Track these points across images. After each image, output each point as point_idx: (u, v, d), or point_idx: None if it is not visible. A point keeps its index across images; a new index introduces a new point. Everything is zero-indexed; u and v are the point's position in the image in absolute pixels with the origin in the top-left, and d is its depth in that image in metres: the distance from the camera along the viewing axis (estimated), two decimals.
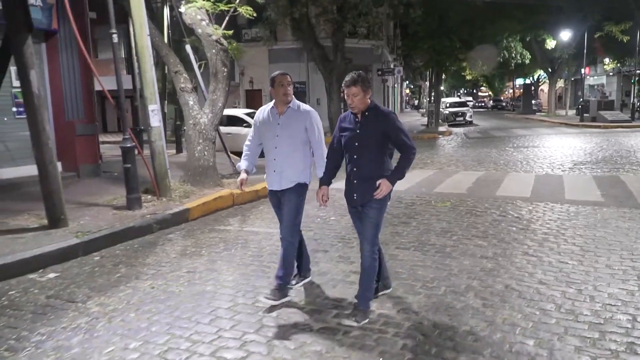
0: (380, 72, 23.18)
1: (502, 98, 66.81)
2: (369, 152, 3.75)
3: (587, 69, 33.14)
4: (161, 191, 7.73)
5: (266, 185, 4.41)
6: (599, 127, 24.32)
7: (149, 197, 7.85)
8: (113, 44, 6.84)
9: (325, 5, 19.78)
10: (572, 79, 46.37)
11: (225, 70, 8.75)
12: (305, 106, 4.21)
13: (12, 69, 9.16)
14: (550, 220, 6.74)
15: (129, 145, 7.10)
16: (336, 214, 7.24)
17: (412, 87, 73.02)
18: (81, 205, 7.54)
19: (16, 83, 9.23)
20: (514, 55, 29.06)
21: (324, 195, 3.99)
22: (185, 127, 8.85)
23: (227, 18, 8.71)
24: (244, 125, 14.56)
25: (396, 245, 5.76)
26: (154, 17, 14.32)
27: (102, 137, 16.97)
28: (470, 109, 33.19)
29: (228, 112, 14.63)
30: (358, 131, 3.77)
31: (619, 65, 37.07)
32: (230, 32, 8.61)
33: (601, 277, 4.58)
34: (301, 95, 24.06)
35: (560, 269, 4.83)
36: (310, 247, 5.21)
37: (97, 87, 10.27)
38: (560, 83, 45.97)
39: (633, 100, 28.06)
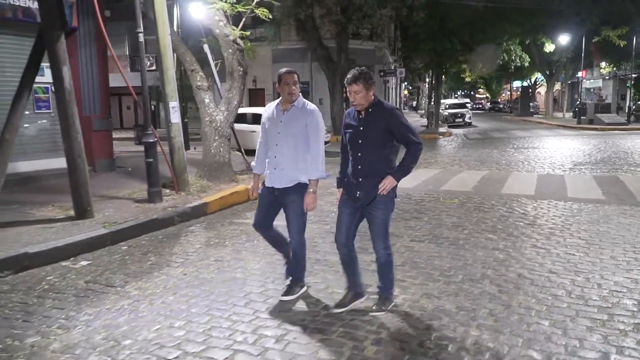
0: (382, 73, 23.50)
1: (499, 100, 67.30)
2: (373, 149, 3.70)
3: (584, 72, 33.54)
4: (180, 186, 8.00)
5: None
6: (596, 129, 24.70)
7: (167, 191, 8.12)
8: (140, 43, 7.11)
9: (330, 7, 20.10)
10: (569, 82, 46.90)
11: (241, 69, 9.02)
12: (310, 105, 4.14)
13: None
14: (555, 216, 7.05)
15: (151, 140, 7.36)
16: None
17: (410, 88, 73.40)
18: (103, 198, 7.79)
19: (38, 78, 9.45)
20: (513, 57, 29.44)
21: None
22: (201, 125, 9.10)
23: (243, 19, 8.98)
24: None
25: (411, 238, 6.05)
26: None
27: None
28: (470, 111, 33.58)
29: (253, 110, 14.89)
30: (361, 128, 3.73)
31: (615, 69, 37.53)
32: (248, 32, 8.90)
33: (607, 267, 4.88)
34: (304, 95, 24.13)
35: (568, 259, 5.13)
36: (329, 239, 5.49)
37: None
38: (557, 86, 46.43)
39: (629, 104, 28.49)
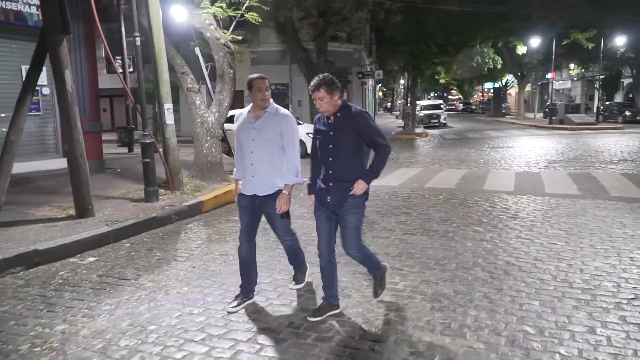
0: (361, 75, 23.93)
1: (471, 101, 68.56)
2: (344, 154, 3.66)
3: (553, 73, 34.65)
4: (175, 185, 8.19)
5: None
6: (566, 129, 25.57)
7: (162, 190, 8.30)
8: (136, 46, 7.30)
9: (309, 10, 20.41)
10: (539, 83, 48.23)
11: (232, 72, 9.26)
12: (283, 110, 4.08)
13: (24, 68, 9.51)
14: (535, 210, 7.48)
15: (148, 141, 7.55)
16: None
17: (384, 90, 74.18)
18: (99, 198, 7.91)
19: None
20: (487, 60, 30.26)
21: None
22: (193, 126, 9.30)
23: (234, 23, 9.21)
24: None
25: (403, 231, 6.39)
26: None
27: None
28: (445, 112, 34.30)
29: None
30: (331, 133, 3.68)
31: (583, 70, 38.81)
32: (240, 37, 9.14)
33: (587, 254, 5.29)
34: (283, 96, 24.59)
35: (551, 248, 5.53)
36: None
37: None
38: (527, 87, 47.68)
39: (597, 104, 29.55)
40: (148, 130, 7.61)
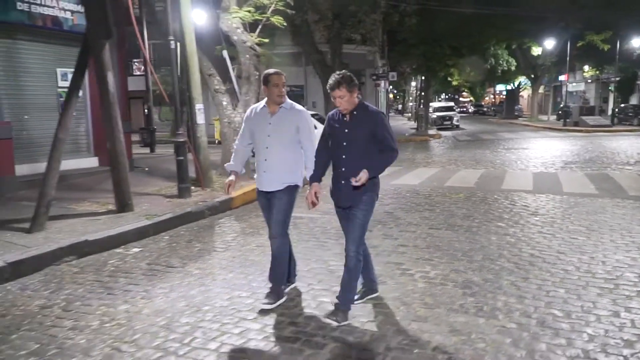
0: (375, 77, 24.23)
1: (483, 103, 68.55)
2: (357, 152, 3.65)
3: (567, 75, 34.71)
4: (205, 182, 8.53)
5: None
6: (581, 131, 25.67)
7: (192, 187, 8.64)
8: (171, 49, 7.66)
9: (324, 12, 20.77)
10: (552, 85, 48.18)
11: (257, 74, 9.58)
12: (297, 106, 4.09)
13: (59, 71, 9.94)
14: (554, 207, 7.73)
15: (181, 140, 7.90)
16: None
17: (395, 91, 74.38)
18: (134, 194, 8.19)
19: (61, 83, 9.99)
20: (501, 62, 30.42)
21: (316, 193, 3.82)
22: (220, 126, 9.63)
23: (259, 26, 9.56)
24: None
25: (429, 226, 6.68)
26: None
27: None
28: (457, 114, 34.49)
29: None
30: (346, 130, 3.69)
31: (597, 72, 38.77)
32: (267, 40, 9.49)
33: (608, 248, 5.55)
34: (298, 98, 24.95)
35: (572, 243, 5.79)
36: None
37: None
38: (540, 89, 47.65)
39: (613, 106, 29.58)
40: (181, 130, 7.96)
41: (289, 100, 4.07)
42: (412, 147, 19.70)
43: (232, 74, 9.69)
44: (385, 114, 3.98)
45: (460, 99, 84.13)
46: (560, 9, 26.51)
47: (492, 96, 69.05)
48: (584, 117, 27.36)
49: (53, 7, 9.25)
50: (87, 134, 10.59)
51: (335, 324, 3.67)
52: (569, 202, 8.14)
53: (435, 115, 32.88)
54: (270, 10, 9.49)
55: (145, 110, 23.26)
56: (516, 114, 45.42)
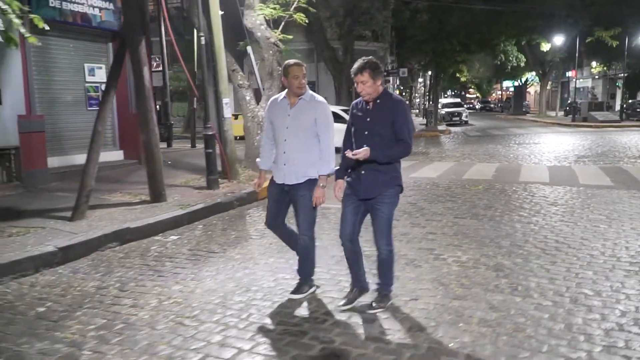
0: (386, 73, 24.46)
1: (489, 100, 68.63)
2: (379, 141, 3.55)
3: (574, 71, 34.81)
4: (232, 174, 8.79)
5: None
6: (590, 126, 25.82)
7: (219, 179, 8.89)
8: (201, 45, 7.91)
9: (336, 9, 20.98)
10: (559, 81, 48.23)
11: (280, 69, 9.80)
12: (318, 97, 4.00)
13: (86, 66, 10.21)
14: (572, 198, 7.95)
15: (210, 133, 8.15)
16: None
17: (401, 88, 74.48)
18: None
19: (89, 78, 10.26)
20: (510, 58, 30.59)
21: (340, 189, 3.79)
22: (244, 120, 9.90)
23: (282, 23, 9.80)
24: (341, 121, 14.91)
25: (453, 215, 6.91)
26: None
27: None
28: (466, 110, 34.66)
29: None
30: (368, 119, 3.62)
31: (605, 68, 38.82)
32: (291, 36, 9.72)
33: (629, 235, 5.76)
34: None
35: (595, 230, 6.01)
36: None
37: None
38: (548, 85, 47.73)
39: (621, 102, 29.68)
40: (210, 123, 8.21)
41: (309, 92, 3.98)
42: (423, 142, 19.90)
43: (256, 69, 9.93)
44: (407, 104, 3.88)
45: (467, 95, 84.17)
46: (569, 5, 26.61)
47: (499, 92, 69.06)
48: (592, 113, 27.51)
49: (82, 4, 9.50)
50: (112, 128, 10.85)
51: (380, 310, 3.76)
52: (587, 193, 8.35)
53: (444, 111, 33.07)
54: (293, 7, 9.72)
55: (157, 106, 23.68)
56: (524, 110, 45.52)
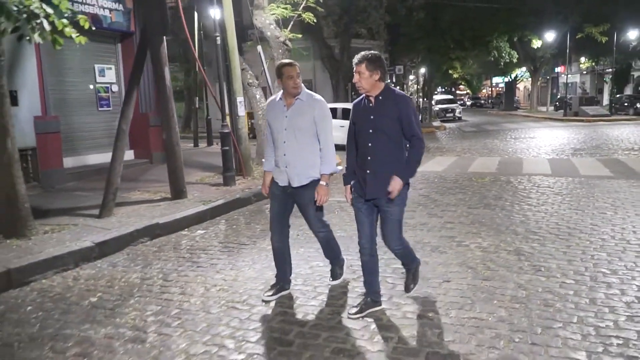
0: None
1: (480, 96, 69.26)
2: (383, 140, 3.49)
3: (563, 67, 35.34)
4: (247, 171, 9.03)
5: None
6: (582, 120, 26.31)
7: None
8: (217, 45, 8.14)
9: (332, 7, 21.24)
10: (548, 77, 48.86)
11: None
12: (315, 95, 3.89)
13: (96, 67, 10.39)
14: (576, 188, 8.28)
15: (226, 131, 8.39)
16: None
17: (394, 84, 74.94)
18: None
19: (99, 79, 10.45)
20: (503, 54, 31.05)
21: (351, 194, 3.71)
22: (254, 118, 10.12)
23: (291, 22, 10.05)
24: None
25: (467, 206, 7.21)
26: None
27: None
28: (459, 106, 35.11)
29: (342, 105, 15.27)
30: (372, 117, 3.51)
31: (593, 64, 39.47)
32: (300, 35, 9.97)
33: (635, 221, 6.09)
34: None
35: (602, 216, 6.34)
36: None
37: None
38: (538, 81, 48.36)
39: (610, 97, 30.25)
40: (226, 122, 8.45)
41: (305, 90, 3.87)
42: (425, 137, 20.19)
43: (265, 68, 10.17)
44: (411, 99, 3.79)
45: (457, 91, 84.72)
46: (559, 2, 27.10)
47: (489, 89, 69.70)
48: (583, 107, 28.02)
49: (93, 5, 9.68)
50: None
51: (409, 292, 3.96)
52: (589, 183, 8.69)
53: (437, 107, 33.49)
54: (302, 7, 9.98)
55: None
56: (515, 105, 46.10)
